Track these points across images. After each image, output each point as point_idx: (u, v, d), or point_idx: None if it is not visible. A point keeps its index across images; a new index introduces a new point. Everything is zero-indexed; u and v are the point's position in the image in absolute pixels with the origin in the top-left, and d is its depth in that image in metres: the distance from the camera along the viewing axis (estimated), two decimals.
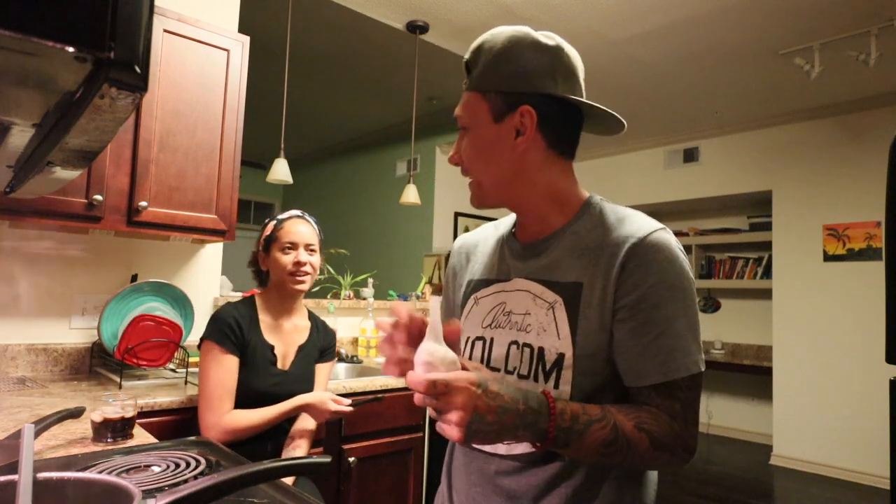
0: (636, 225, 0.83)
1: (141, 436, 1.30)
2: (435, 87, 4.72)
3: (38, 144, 0.63)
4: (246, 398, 1.59)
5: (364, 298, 3.09)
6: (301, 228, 1.73)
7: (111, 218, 1.89)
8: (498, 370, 0.87)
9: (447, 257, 5.00)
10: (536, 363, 0.83)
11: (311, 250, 1.73)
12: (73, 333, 2.11)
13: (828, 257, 4.44)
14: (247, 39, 2.20)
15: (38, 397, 1.64)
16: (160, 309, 2.08)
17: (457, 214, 5.54)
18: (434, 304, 0.75)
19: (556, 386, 0.81)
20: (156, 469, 0.93)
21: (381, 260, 5.64)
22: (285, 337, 1.74)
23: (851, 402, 4.23)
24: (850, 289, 4.30)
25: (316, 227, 1.79)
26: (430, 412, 0.72)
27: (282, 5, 3.32)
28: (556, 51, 0.85)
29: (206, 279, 2.42)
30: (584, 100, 0.85)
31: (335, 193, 6.90)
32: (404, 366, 0.79)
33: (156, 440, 1.29)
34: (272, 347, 1.68)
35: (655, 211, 5.82)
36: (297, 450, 1.67)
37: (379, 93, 5.07)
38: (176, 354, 2.04)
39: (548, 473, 0.82)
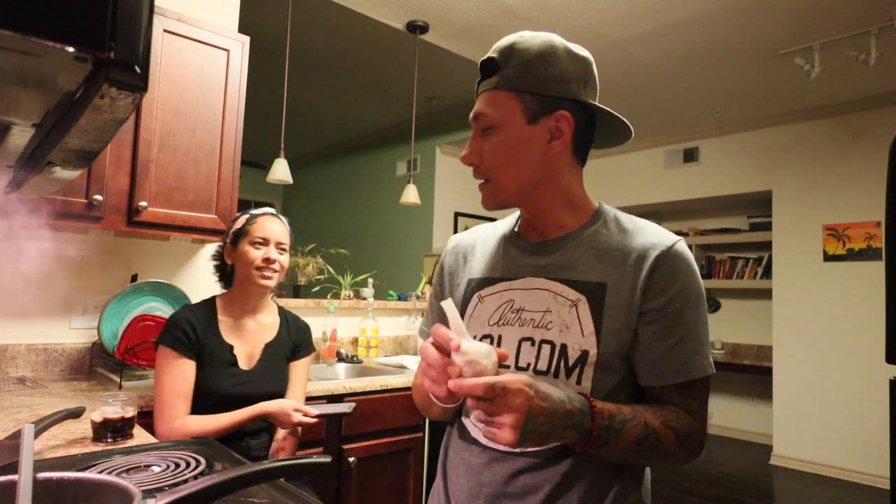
0: (659, 235, 0.87)
1: (141, 436, 1.30)
2: (435, 87, 4.72)
3: (38, 144, 0.63)
4: (208, 401, 1.55)
5: (364, 298, 3.09)
6: (274, 226, 1.69)
7: (111, 218, 1.89)
8: (507, 367, 0.87)
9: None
10: (558, 360, 0.84)
11: (282, 249, 1.70)
12: (73, 333, 2.11)
13: (828, 257, 4.44)
14: (247, 39, 2.20)
15: (38, 397, 1.64)
16: (160, 309, 2.08)
17: (457, 214, 5.54)
18: (448, 305, 0.73)
19: (579, 382, 0.82)
20: (156, 469, 0.93)
21: (381, 260, 5.64)
22: (249, 336, 1.69)
23: (851, 402, 4.23)
24: (850, 289, 4.30)
25: (288, 226, 1.76)
26: (474, 416, 0.72)
27: (282, 5, 3.32)
28: (588, 62, 0.89)
29: (206, 279, 2.42)
30: (610, 111, 0.88)
31: (335, 193, 6.90)
32: (445, 378, 0.74)
33: (156, 440, 1.29)
34: (231, 348, 1.63)
35: (655, 211, 5.83)
36: (282, 452, 1.63)
37: (379, 93, 5.06)
38: None
39: (558, 473, 0.83)
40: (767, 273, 5.10)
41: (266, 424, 1.67)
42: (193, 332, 1.58)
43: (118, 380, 1.87)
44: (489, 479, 0.86)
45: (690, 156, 5.33)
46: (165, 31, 1.98)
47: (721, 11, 3.13)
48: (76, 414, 1.26)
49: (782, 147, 4.74)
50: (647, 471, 0.91)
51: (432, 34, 3.51)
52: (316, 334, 2.57)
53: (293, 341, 1.77)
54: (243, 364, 1.65)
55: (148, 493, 0.67)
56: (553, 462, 0.83)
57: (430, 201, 5.37)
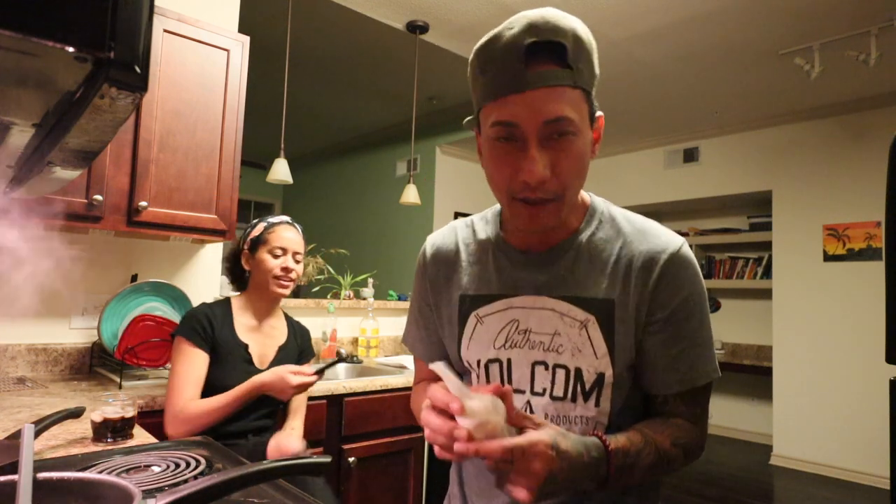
0: (663, 239, 0.82)
1: (141, 436, 1.31)
2: (435, 87, 4.72)
3: (38, 144, 0.63)
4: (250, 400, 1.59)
5: (364, 298, 3.09)
6: (292, 235, 1.74)
7: (111, 218, 1.89)
8: (522, 392, 0.84)
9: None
10: (574, 384, 0.81)
11: (297, 259, 1.75)
12: (73, 333, 2.11)
13: (828, 257, 4.44)
14: (247, 39, 2.20)
15: (38, 397, 1.64)
16: (160, 309, 2.08)
17: (457, 214, 5.54)
18: (439, 367, 0.66)
19: (598, 404, 0.80)
20: (156, 469, 0.93)
21: (381, 260, 5.65)
22: (263, 338, 1.73)
23: (851, 402, 4.23)
24: (850, 289, 4.30)
25: (302, 236, 1.80)
26: (484, 466, 0.65)
27: (282, 5, 3.32)
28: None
29: (206, 279, 2.42)
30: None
31: (335, 193, 6.90)
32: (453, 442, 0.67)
33: (156, 440, 1.29)
34: (246, 346, 1.67)
35: (655, 211, 5.82)
36: (293, 432, 1.67)
37: (379, 93, 5.06)
38: None
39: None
40: (767, 273, 5.10)
41: (270, 423, 1.70)
42: (210, 326, 1.62)
43: (118, 380, 1.87)
44: (505, 498, 0.85)
45: (690, 156, 5.33)
46: (165, 31, 1.98)
47: (721, 11, 3.13)
48: (76, 414, 1.26)
49: (782, 147, 4.74)
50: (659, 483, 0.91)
51: (432, 34, 3.51)
52: (316, 334, 2.57)
53: (299, 346, 1.83)
54: (258, 364, 1.69)
55: (148, 493, 0.67)
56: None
57: (430, 201, 5.37)
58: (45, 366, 2.03)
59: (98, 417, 1.24)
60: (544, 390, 0.82)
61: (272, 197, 7.98)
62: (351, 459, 2.10)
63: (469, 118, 0.83)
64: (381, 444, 2.23)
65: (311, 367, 1.61)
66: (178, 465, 0.95)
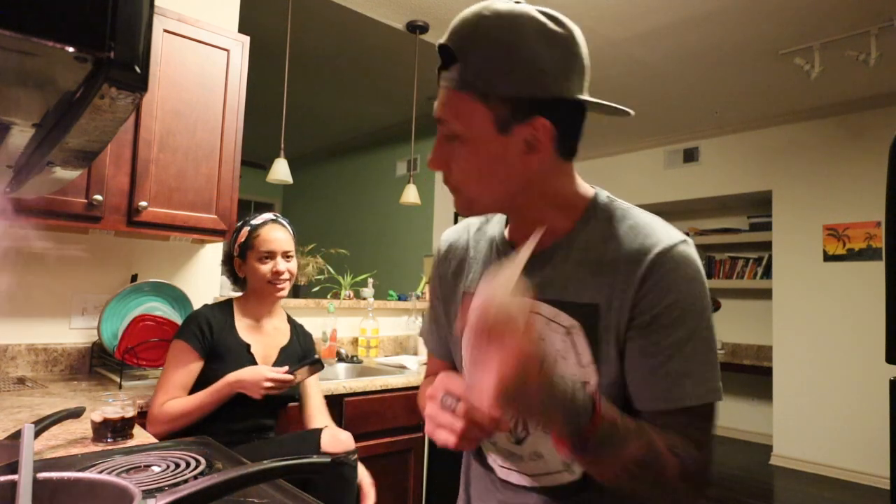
0: (656, 236, 0.73)
1: (141, 436, 1.30)
2: (435, 87, 4.69)
3: (38, 144, 0.63)
4: (229, 398, 1.58)
5: (364, 298, 3.09)
6: (278, 235, 1.71)
7: (111, 218, 1.89)
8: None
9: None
10: None
11: (288, 257, 1.73)
12: (73, 333, 2.11)
13: (828, 257, 4.44)
14: (247, 39, 2.20)
15: (38, 397, 1.64)
16: (160, 309, 2.08)
17: (457, 214, 5.54)
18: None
19: None
20: (156, 469, 0.93)
21: (381, 260, 5.64)
22: (265, 339, 1.73)
23: (851, 402, 4.23)
24: (850, 289, 4.30)
25: (290, 229, 1.78)
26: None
27: (282, 5, 3.32)
28: (570, 41, 0.71)
29: (206, 279, 2.42)
30: (600, 101, 0.74)
31: (335, 193, 6.90)
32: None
33: (156, 440, 1.29)
34: (248, 347, 1.67)
35: (655, 211, 5.71)
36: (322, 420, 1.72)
37: (379, 93, 5.06)
38: None
39: (557, 493, 0.78)
40: (767, 273, 5.10)
41: (272, 423, 1.69)
42: (209, 329, 1.62)
43: (118, 380, 1.87)
44: (501, 496, 0.84)
45: (690, 156, 5.33)
46: (165, 31, 1.98)
47: (721, 11, 3.13)
48: (76, 414, 1.26)
49: (782, 147, 4.74)
50: None
51: (432, 34, 3.51)
52: (316, 334, 2.57)
53: (303, 347, 1.83)
54: (260, 363, 1.68)
55: (148, 493, 0.67)
56: (569, 498, 0.78)
57: (430, 201, 5.37)
58: (45, 366, 2.03)
59: (98, 417, 1.24)
60: None
61: (272, 197, 7.98)
62: None
63: None
64: (382, 444, 2.23)
65: (284, 368, 1.60)
66: (178, 465, 0.95)
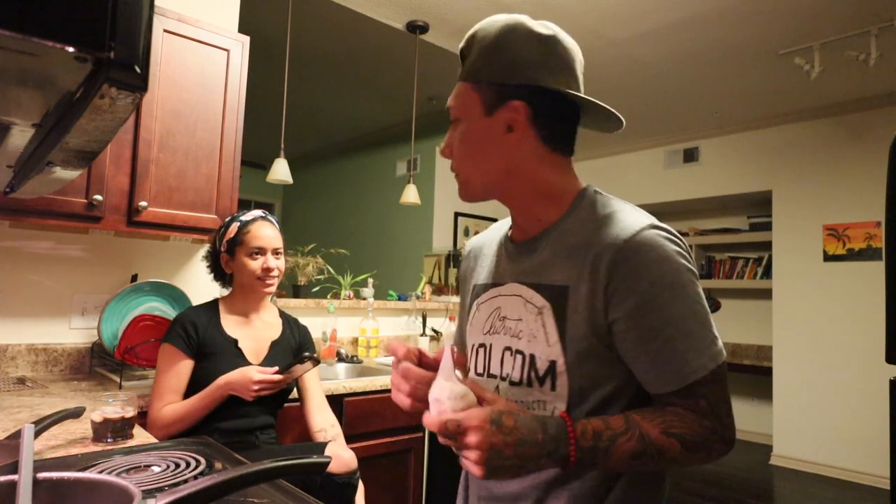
0: (621, 225, 0.78)
1: (141, 436, 1.30)
2: (435, 87, 4.72)
3: (38, 144, 0.63)
4: (223, 400, 1.57)
5: (364, 298, 3.09)
6: (268, 232, 1.71)
7: (111, 218, 1.89)
8: (495, 377, 0.86)
9: (447, 258, 5.00)
10: (529, 370, 0.81)
11: (278, 254, 1.73)
12: (73, 333, 2.11)
13: (828, 257, 4.44)
14: (247, 39, 2.20)
15: (38, 397, 1.64)
16: (160, 309, 2.08)
17: (457, 214, 5.54)
18: (448, 349, 0.73)
19: (553, 389, 0.79)
20: (156, 469, 0.93)
21: (381, 260, 5.64)
22: (254, 333, 1.73)
23: (851, 402, 4.23)
24: (850, 289, 4.30)
25: (278, 227, 1.78)
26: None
27: (282, 5, 3.32)
28: (551, 41, 0.81)
29: (206, 279, 2.40)
30: (577, 94, 0.81)
31: (335, 193, 6.90)
32: (415, 402, 0.79)
33: (156, 440, 1.29)
34: (235, 341, 1.67)
35: (655, 211, 5.80)
36: (339, 438, 1.71)
37: (379, 93, 5.06)
38: None
39: (549, 475, 0.80)
40: (767, 273, 5.10)
41: (272, 421, 1.69)
42: (195, 329, 1.63)
43: (118, 380, 1.87)
44: (493, 486, 0.86)
45: (690, 156, 5.33)
46: (165, 31, 1.98)
47: (721, 11, 3.13)
48: (76, 414, 1.26)
49: (782, 147, 4.74)
50: (667, 482, 0.86)
51: (432, 34, 3.51)
52: (316, 334, 2.57)
53: (297, 341, 1.82)
54: (251, 359, 1.68)
55: (148, 493, 0.67)
56: (566, 481, 0.80)
57: (430, 201, 5.36)
58: (45, 366, 2.03)
59: (98, 417, 1.24)
60: (507, 376, 0.85)
61: (272, 197, 7.98)
62: None
63: None
64: (381, 444, 2.23)
65: (273, 368, 1.58)
66: (178, 465, 0.95)
